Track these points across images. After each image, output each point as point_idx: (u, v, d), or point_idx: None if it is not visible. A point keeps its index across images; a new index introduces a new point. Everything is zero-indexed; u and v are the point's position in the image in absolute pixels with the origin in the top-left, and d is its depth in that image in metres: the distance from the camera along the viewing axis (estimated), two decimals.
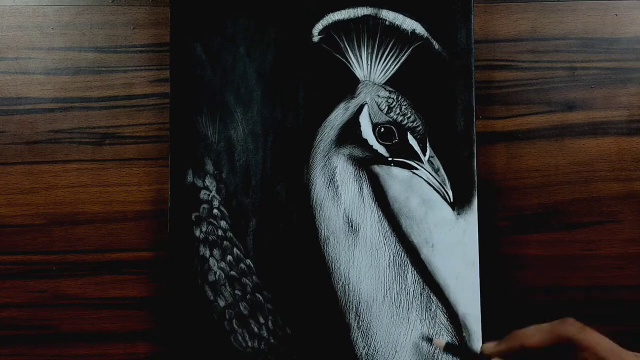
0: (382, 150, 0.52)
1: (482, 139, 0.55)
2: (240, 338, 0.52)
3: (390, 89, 0.53)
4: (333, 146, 0.53)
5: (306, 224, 0.52)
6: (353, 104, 0.53)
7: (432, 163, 0.52)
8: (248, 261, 0.52)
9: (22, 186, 0.55)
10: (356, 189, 0.53)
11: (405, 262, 0.52)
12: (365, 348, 0.51)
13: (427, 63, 0.53)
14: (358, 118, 0.53)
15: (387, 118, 0.53)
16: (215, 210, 0.52)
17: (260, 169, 0.53)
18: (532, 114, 0.56)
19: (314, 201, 0.52)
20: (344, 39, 0.53)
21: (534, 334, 0.36)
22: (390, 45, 0.53)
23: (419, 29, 0.53)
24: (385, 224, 0.52)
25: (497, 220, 0.55)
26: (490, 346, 0.37)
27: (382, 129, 0.53)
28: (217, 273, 0.52)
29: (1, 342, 0.54)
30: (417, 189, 0.52)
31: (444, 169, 0.52)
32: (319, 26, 0.53)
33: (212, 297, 0.52)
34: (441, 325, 0.51)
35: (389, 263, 0.52)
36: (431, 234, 0.52)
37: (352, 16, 0.53)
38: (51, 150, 0.55)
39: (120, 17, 0.56)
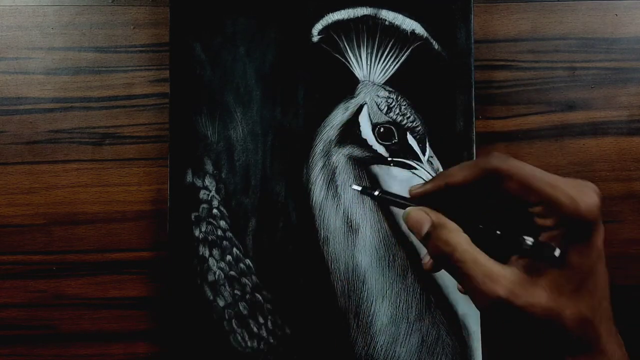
0: (381, 150, 0.52)
1: (482, 139, 0.55)
2: (239, 338, 0.52)
3: (390, 89, 0.53)
4: (333, 146, 0.53)
5: (306, 224, 0.52)
6: (353, 104, 0.53)
7: (432, 163, 0.52)
8: (247, 261, 0.52)
9: (22, 186, 0.55)
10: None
11: (405, 263, 0.52)
12: (365, 348, 0.51)
13: (426, 63, 0.53)
14: (358, 118, 0.53)
15: (387, 118, 0.53)
16: (214, 210, 0.52)
17: (260, 168, 0.53)
18: (532, 114, 0.56)
19: (314, 201, 0.52)
20: (343, 39, 0.53)
21: (458, 171, 0.33)
22: (389, 45, 0.53)
23: (419, 29, 0.53)
24: (385, 224, 0.52)
25: None
26: (416, 187, 0.35)
27: (382, 129, 0.53)
28: (217, 273, 0.52)
29: (1, 342, 0.54)
30: None
31: (443, 169, 0.52)
32: (318, 26, 0.53)
33: (211, 297, 0.52)
34: (441, 325, 0.51)
35: (389, 263, 0.52)
36: None
37: (352, 16, 0.53)
38: (51, 150, 0.55)
39: (120, 17, 0.56)
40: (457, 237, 0.32)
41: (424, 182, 0.35)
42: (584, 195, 0.29)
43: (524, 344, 0.33)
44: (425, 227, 0.33)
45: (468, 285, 0.31)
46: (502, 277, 0.30)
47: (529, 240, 0.30)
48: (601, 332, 0.30)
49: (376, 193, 0.39)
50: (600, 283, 0.30)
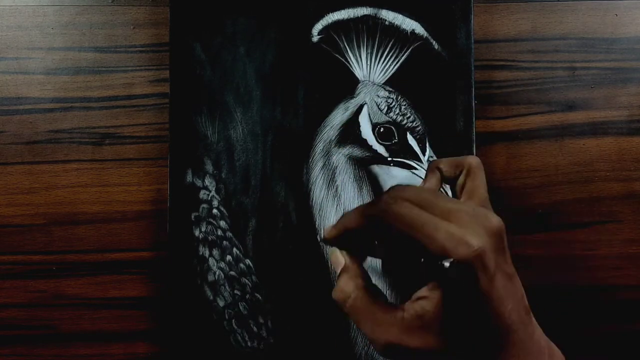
0: (381, 150, 0.52)
1: (482, 139, 0.55)
2: (239, 338, 0.52)
3: (390, 89, 0.53)
4: (333, 146, 0.53)
5: (306, 224, 0.52)
6: (353, 104, 0.53)
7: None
8: (247, 261, 0.52)
9: (22, 186, 0.55)
10: (356, 189, 0.53)
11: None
12: (365, 348, 0.51)
13: (426, 63, 0.53)
14: (358, 118, 0.53)
15: (387, 118, 0.53)
16: (214, 210, 0.52)
17: (260, 169, 0.53)
18: (532, 114, 0.56)
19: (314, 201, 0.52)
20: (343, 39, 0.53)
21: (352, 215, 0.35)
22: (389, 45, 0.53)
23: (419, 29, 0.53)
24: None
25: None
26: (327, 231, 0.37)
27: (382, 129, 0.53)
28: (217, 273, 0.52)
29: (1, 342, 0.54)
30: None
31: None
32: (318, 26, 0.53)
33: (211, 297, 0.52)
34: None
35: None
36: None
37: (352, 16, 0.53)
38: (51, 150, 0.55)
39: (120, 17, 0.56)
40: (352, 285, 0.34)
41: (332, 225, 0.37)
42: (458, 245, 0.29)
43: None
44: (339, 267, 0.36)
45: (363, 330, 0.33)
46: (392, 322, 0.32)
47: (447, 261, 0.30)
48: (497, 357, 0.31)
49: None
50: (493, 321, 0.30)
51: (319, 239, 0.46)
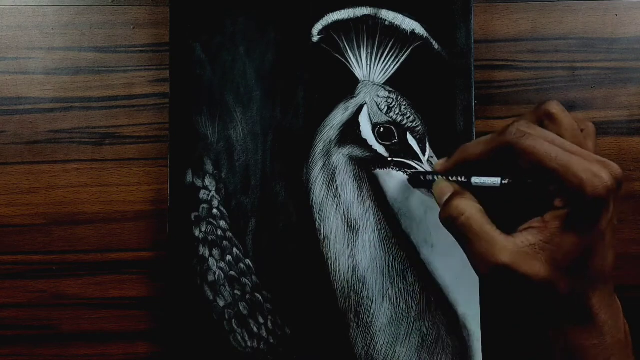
0: (381, 150, 0.52)
1: None
2: (239, 338, 0.52)
3: (390, 89, 0.53)
4: (333, 146, 0.53)
5: (306, 224, 0.52)
6: (353, 104, 0.53)
7: (432, 163, 0.52)
8: (247, 261, 0.52)
9: (22, 186, 0.55)
10: (356, 189, 0.53)
11: (405, 262, 0.52)
12: (365, 348, 0.51)
13: (426, 63, 0.53)
14: (357, 118, 0.53)
15: (387, 118, 0.53)
16: (214, 210, 0.52)
17: (260, 168, 0.53)
18: None
19: (314, 201, 0.52)
20: (343, 39, 0.53)
21: (476, 146, 0.36)
22: (389, 45, 0.53)
23: (419, 29, 0.53)
24: (385, 224, 0.52)
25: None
26: (440, 163, 0.39)
27: (382, 129, 0.53)
28: (217, 273, 0.52)
29: (1, 342, 0.54)
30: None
31: None
32: (318, 26, 0.53)
33: (211, 297, 0.52)
34: (440, 325, 0.51)
35: (389, 263, 0.52)
36: (431, 234, 0.52)
37: (352, 16, 0.53)
38: (51, 150, 0.55)
39: (120, 17, 0.56)
40: (468, 205, 0.34)
41: (446, 158, 0.38)
42: (593, 177, 0.30)
43: (521, 310, 0.35)
44: (446, 195, 0.36)
45: (471, 250, 0.33)
46: (505, 245, 0.32)
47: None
48: (593, 304, 0.33)
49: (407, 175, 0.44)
50: (596, 262, 0.32)
51: (407, 179, 0.48)
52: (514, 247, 0.32)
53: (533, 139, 0.32)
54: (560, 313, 0.33)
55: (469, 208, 0.34)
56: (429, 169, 0.52)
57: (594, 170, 0.30)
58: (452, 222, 0.34)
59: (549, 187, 0.32)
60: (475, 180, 0.37)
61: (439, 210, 0.38)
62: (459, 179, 0.38)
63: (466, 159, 0.36)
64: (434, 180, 0.40)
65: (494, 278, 0.33)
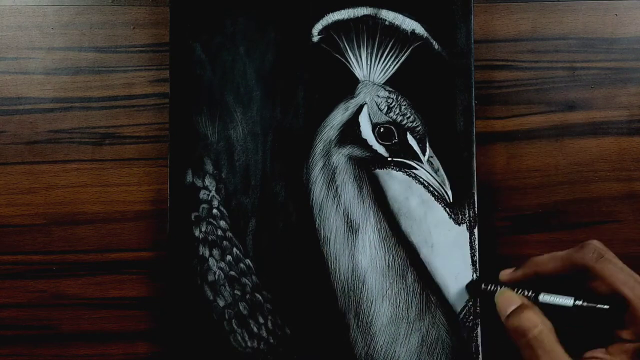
0: (381, 150, 0.52)
1: (482, 139, 0.55)
2: (239, 338, 0.52)
3: (390, 89, 0.53)
4: (333, 146, 0.53)
5: (306, 224, 0.52)
6: (353, 104, 0.53)
7: (432, 163, 0.52)
8: (247, 261, 0.52)
9: (22, 186, 0.55)
10: (356, 189, 0.53)
11: (405, 262, 0.52)
12: (365, 348, 0.51)
13: (426, 63, 0.53)
14: (357, 118, 0.53)
15: (387, 118, 0.53)
16: (214, 210, 0.52)
17: (260, 168, 0.53)
18: (532, 114, 0.56)
19: (314, 201, 0.52)
20: (343, 39, 0.53)
21: (549, 261, 0.35)
22: (389, 45, 0.53)
23: (419, 29, 0.53)
24: (385, 224, 0.52)
25: (496, 220, 0.55)
26: (507, 273, 0.38)
27: (382, 129, 0.53)
28: (217, 273, 0.52)
29: (1, 342, 0.54)
30: (417, 189, 0.52)
31: (443, 169, 0.52)
32: (318, 26, 0.53)
33: (211, 297, 0.52)
34: (440, 325, 0.51)
35: (389, 263, 0.52)
36: (430, 234, 0.52)
37: (352, 16, 0.53)
38: (51, 150, 0.55)
39: (120, 17, 0.56)
40: (542, 320, 0.33)
41: (514, 268, 0.37)
42: None
43: None
44: (513, 306, 0.35)
45: None
46: None
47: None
48: None
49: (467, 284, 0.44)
50: None
51: (466, 286, 0.48)
52: None
53: (613, 264, 0.32)
54: None
55: (542, 323, 0.33)
56: (429, 168, 0.52)
57: None
58: (522, 334, 0.33)
59: (623, 316, 0.32)
60: (544, 297, 0.36)
61: (503, 318, 0.36)
62: (526, 292, 0.37)
63: (537, 274, 0.36)
64: (496, 290, 0.39)
65: None
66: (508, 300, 0.36)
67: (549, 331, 0.33)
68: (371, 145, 0.53)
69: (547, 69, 0.57)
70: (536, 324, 0.33)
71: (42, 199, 0.55)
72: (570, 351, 0.33)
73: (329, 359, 0.52)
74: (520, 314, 0.34)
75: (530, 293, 0.37)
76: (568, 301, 0.35)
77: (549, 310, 0.36)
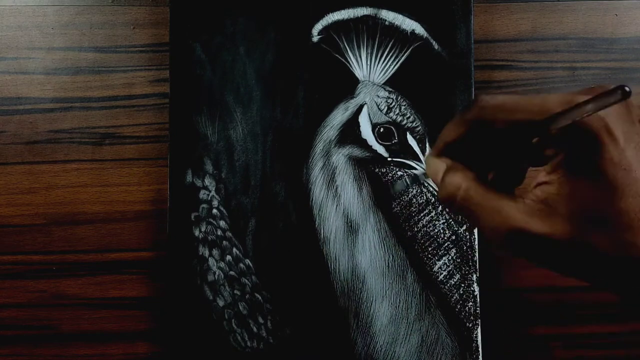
0: (381, 150, 0.52)
1: None
2: (239, 338, 0.52)
3: (390, 89, 0.53)
4: (333, 146, 0.53)
5: (306, 224, 0.52)
6: (352, 104, 0.53)
7: None
8: (247, 261, 0.52)
9: (22, 186, 0.55)
10: (356, 189, 0.53)
11: (405, 263, 0.52)
12: (365, 348, 0.51)
13: (426, 63, 0.53)
14: (357, 118, 0.53)
15: (387, 118, 0.53)
16: (214, 210, 0.52)
17: (260, 169, 0.53)
18: None
19: (314, 201, 0.52)
20: (343, 39, 0.53)
21: (449, 130, 0.32)
22: (389, 45, 0.53)
23: (419, 29, 0.53)
24: (385, 224, 0.52)
25: None
26: (429, 153, 0.34)
27: (382, 129, 0.53)
28: (217, 273, 0.52)
29: (1, 342, 0.54)
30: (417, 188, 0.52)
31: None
32: (318, 26, 0.53)
33: (211, 297, 0.52)
34: (440, 325, 0.51)
35: (388, 263, 0.52)
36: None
37: (352, 16, 0.53)
38: (51, 150, 0.55)
39: (120, 17, 0.56)
40: (462, 176, 0.30)
41: (433, 147, 0.35)
42: (579, 99, 0.26)
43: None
44: (440, 173, 0.32)
45: (480, 224, 0.29)
46: (514, 207, 0.28)
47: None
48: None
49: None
50: (631, 203, 0.26)
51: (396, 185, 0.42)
52: (525, 208, 0.27)
53: (502, 97, 0.29)
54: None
55: (464, 180, 0.30)
56: None
57: (572, 99, 0.26)
58: (452, 201, 0.30)
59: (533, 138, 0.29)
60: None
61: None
62: None
63: (446, 142, 0.32)
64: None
65: (512, 248, 0.28)
66: (435, 169, 0.33)
67: (474, 183, 0.30)
68: (371, 146, 0.53)
69: (547, 69, 0.57)
70: (458, 184, 0.30)
71: (42, 199, 0.55)
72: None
73: (329, 359, 0.51)
74: (442, 183, 0.31)
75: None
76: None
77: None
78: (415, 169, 0.52)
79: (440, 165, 0.32)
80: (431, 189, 0.52)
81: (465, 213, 0.30)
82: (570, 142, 0.27)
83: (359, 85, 0.53)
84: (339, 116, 0.53)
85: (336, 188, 0.53)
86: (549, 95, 0.27)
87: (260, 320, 0.52)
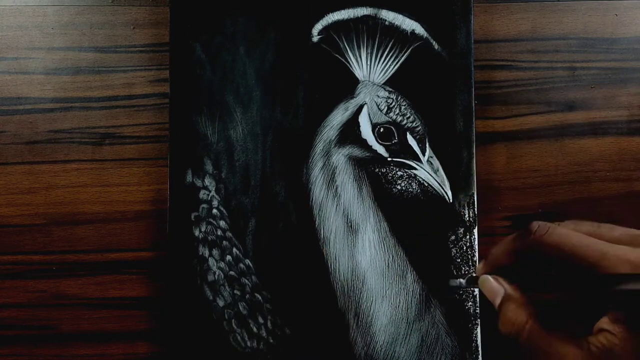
0: (381, 150, 0.52)
1: (482, 139, 0.55)
2: (239, 338, 0.52)
3: (390, 89, 0.53)
4: (333, 146, 0.53)
5: (306, 224, 0.52)
6: (352, 104, 0.53)
7: (432, 163, 0.52)
8: (247, 261, 0.52)
9: (22, 186, 0.55)
10: (356, 189, 0.53)
11: (405, 263, 0.52)
12: (365, 348, 0.51)
13: (426, 63, 0.53)
14: (357, 118, 0.53)
15: (387, 118, 0.53)
16: (214, 210, 0.52)
17: (260, 169, 0.53)
18: (532, 114, 0.56)
19: (314, 201, 0.52)
20: (343, 39, 0.53)
21: (498, 249, 0.33)
22: (389, 45, 0.53)
23: (419, 29, 0.53)
24: (385, 224, 0.52)
25: (496, 220, 0.55)
26: (478, 268, 0.35)
27: (382, 129, 0.53)
28: (217, 273, 0.52)
29: (1, 342, 0.54)
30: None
31: (443, 169, 0.52)
32: (318, 26, 0.53)
33: (211, 297, 0.52)
34: (440, 325, 0.51)
35: (388, 263, 0.52)
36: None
37: (352, 16, 0.53)
38: (51, 150, 0.55)
39: (120, 17, 0.56)
40: (524, 315, 0.31)
41: (483, 261, 0.35)
42: (637, 267, 0.26)
43: None
44: (498, 299, 0.33)
45: None
46: (580, 356, 0.28)
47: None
48: None
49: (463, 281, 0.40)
50: None
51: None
52: (590, 356, 0.28)
53: (559, 230, 0.30)
54: None
55: (527, 319, 0.30)
56: (429, 168, 0.52)
57: (634, 257, 0.27)
58: (515, 338, 0.31)
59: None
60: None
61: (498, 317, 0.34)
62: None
63: (497, 265, 0.33)
64: (462, 284, 0.37)
65: None
66: (491, 291, 0.33)
67: (537, 324, 0.30)
68: (371, 146, 0.53)
69: (547, 69, 0.57)
70: (522, 325, 0.30)
71: (42, 199, 0.55)
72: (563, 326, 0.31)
73: (329, 359, 0.52)
74: (504, 316, 0.32)
75: None
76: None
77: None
78: (415, 169, 0.52)
79: (498, 288, 0.33)
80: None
81: (527, 350, 0.30)
82: (633, 303, 0.27)
83: (359, 85, 0.53)
84: (339, 116, 0.53)
85: (336, 188, 0.53)
86: (610, 247, 0.28)
87: (260, 320, 0.52)
